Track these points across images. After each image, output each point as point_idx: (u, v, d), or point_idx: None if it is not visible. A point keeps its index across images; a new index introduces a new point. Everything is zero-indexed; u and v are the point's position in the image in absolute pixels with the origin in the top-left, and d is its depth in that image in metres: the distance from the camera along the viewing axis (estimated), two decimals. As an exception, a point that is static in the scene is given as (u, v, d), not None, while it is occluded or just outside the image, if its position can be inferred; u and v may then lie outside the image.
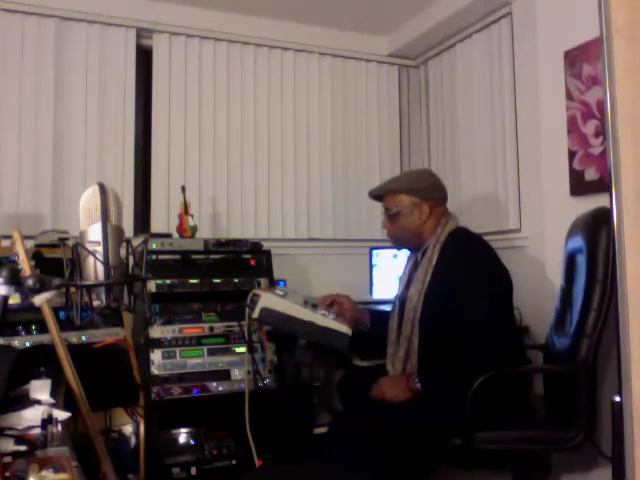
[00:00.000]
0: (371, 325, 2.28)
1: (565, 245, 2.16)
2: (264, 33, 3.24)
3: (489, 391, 1.84)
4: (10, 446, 1.15)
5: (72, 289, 1.35)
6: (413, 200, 2.10)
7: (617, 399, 1.05)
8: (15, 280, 1.20)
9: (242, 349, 2.40)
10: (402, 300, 2.14)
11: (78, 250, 1.30)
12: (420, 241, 2.11)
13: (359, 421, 1.97)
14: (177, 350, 2.34)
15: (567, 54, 2.48)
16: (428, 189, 2.12)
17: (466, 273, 1.96)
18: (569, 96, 2.48)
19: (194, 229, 2.67)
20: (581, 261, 1.99)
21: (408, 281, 2.16)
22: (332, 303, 2.24)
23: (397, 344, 2.11)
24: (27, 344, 1.98)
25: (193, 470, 2.27)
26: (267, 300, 2.05)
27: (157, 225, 2.96)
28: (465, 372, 1.88)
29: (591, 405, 1.90)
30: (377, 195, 2.24)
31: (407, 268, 2.25)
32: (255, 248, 2.62)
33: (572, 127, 2.47)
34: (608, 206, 1.05)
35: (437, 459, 2.19)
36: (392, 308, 2.25)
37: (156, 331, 2.34)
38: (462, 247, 2.05)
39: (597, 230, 1.93)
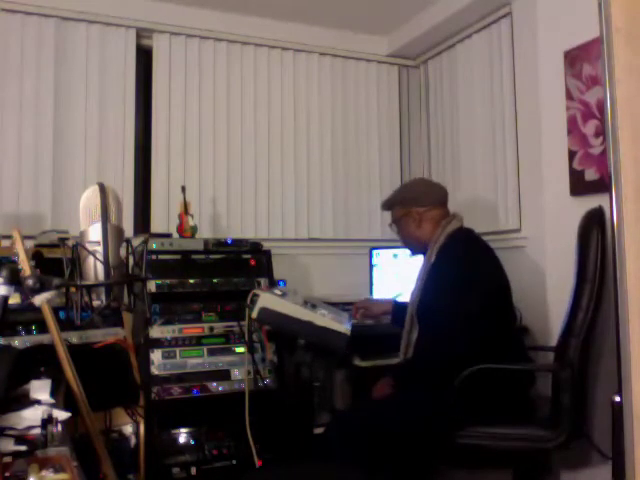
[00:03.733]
0: (392, 316, 2.46)
1: (575, 246, 2.16)
2: (264, 33, 3.23)
3: (477, 389, 1.86)
4: (10, 446, 1.15)
5: (72, 289, 1.35)
6: (404, 210, 2.26)
7: (617, 399, 1.06)
8: (15, 280, 1.20)
9: (242, 349, 2.39)
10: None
11: (78, 250, 1.30)
12: (422, 244, 2.22)
13: (357, 421, 1.98)
14: (177, 350, 2.34)
15: (567, 54, 2.48)
16: (416, 197, 2.26)
17: (450, 274, 2.04)
18: (569, 96, 2.48)
19: (194, 229, 2.66)
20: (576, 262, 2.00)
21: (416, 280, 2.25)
22: (362, 311, 2.54)
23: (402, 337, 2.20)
24: (27, 344, 1.98)
25: (193, 470, 2.27)
26: (266, 300, 2.05)
27: (157, 225, 2.96)
28: (437, 371, 1.95)
29: (577, 405, 1.90)
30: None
31: (420, 268, 2.33)
32: (255, 248, 2.62)
33: (572, 127, 2.47)
34: (608, 206, 1.05)
35: (434, 458, 2.19)
36: None
37: (156, 331, 2.33)
38: (454, 248, 2.12)
39: (588, 231, 1.95)
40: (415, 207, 2.22)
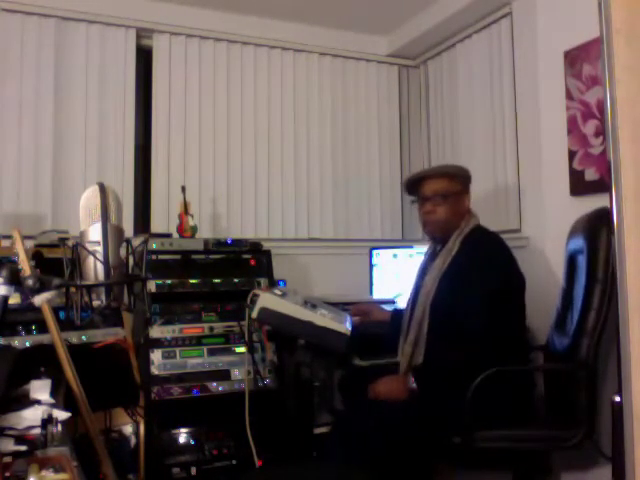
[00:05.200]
0: (389, 325, 2.40)
1: (566, 246, 2.17)
2: (264, 33, 3.23)
3: (490, 390, 1.85)
4: (10, 446, 1.15)
5: (72, 289, 1.35)
6: (463, 187, 2.21)
7: (617, 399, 1.06)
8: (15, 280, 1.20)
9: (242, 349, 2.39)
10: (417, 287, 2.21)
11: (78, 250, 1.30)
12: (448, 230, 2.16)
13: (360, 421, 1.98)
14: (177, 350, 2.34)
15: (567, 54, 2.48)
16: (470, 181, 2.25)
17: (475, 270, 2.01)
18: (569, 96, 2.48)
19: (194, 229, 2.66)
20: (582, 261, 2.00)
21: (425, 270, 2.21)
22: (359, 312, 2.48)
23: (408, 329, 2.16)
24: (27, 344, 1.98)
25: (193, 470, 2.27)
26: (266, 300, 2.05)
27: (157, 225, 2.96)
28: (460, 371, 1.90)
29: (591, 404, 1.90)
30: (415, 182, 2.25)
31: (424, 260, 2.32)
32: (255, 248, 2.62)
33: (572, 127, 2.47)
34: (608, 206, 1.05)
35: (438, 458, 2.19)
36: (408, 298, 2.30)
37: (156, 331, 2.33)
38: (479, 245, 2.11)
39: (597, 230, 1.94)
40: (467, 191, 2.22)
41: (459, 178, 2.22)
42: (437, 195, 2.17)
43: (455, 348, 1.95)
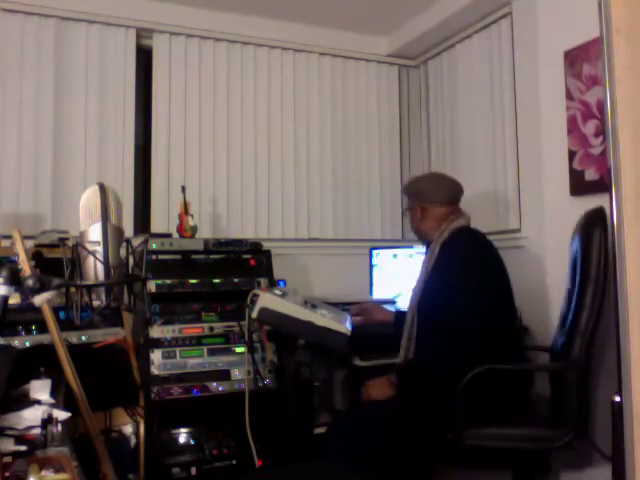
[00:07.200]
0: (393, 326, 2.43)
1: (570, 247, 2.17)
2: (264, 33, 3.23)
3: (479, 388, 1.86)
4: (10, 446, 1.15)
5: (72, 289, 1.35)
6: (411, 202, 2.31)
7: (617, 399, 1.06)
8: (15, 280, 1.20)
9: (242, 349, 2.39)
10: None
11: (78, 250, 1.30)
12: (425, 237, 2.26)
13: (358, 421, 1.98)
14: (177, 350, 2.34)
15: (567, 54, 2.48)
16: (423, 193, 2.26)
17: (452, 271, 2.04)
18: (569, 96, 2.48)
19: (194, 229, 2.66)
20: (579, 261, 2.00)
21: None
22: (362, 312, 2.54)
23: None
24: (27, 344, 1.98)
25: (193, 470, 2.27)
26: (266, 300, 2.06)
27: (157, 225, 2.96)
28: (449, 369, 1.92)
29: (583, 404, 1.90)
30: None
31: (422, 261, 2.33)
32: (255, 248, 2.62)
33: (572, 127, 2.47)
34: (608, 206, 1.05)
35: (437, 458, 2.19)
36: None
37: (156, 331, 2.33)
38: (457, 245, 2.12)
39: (591, 229, 1.95)
40: (420, 202, 2.25)
41: (406, 195, 2.40)
42: (405, 209, 2.42)
43: (444, 347, 1.96)
